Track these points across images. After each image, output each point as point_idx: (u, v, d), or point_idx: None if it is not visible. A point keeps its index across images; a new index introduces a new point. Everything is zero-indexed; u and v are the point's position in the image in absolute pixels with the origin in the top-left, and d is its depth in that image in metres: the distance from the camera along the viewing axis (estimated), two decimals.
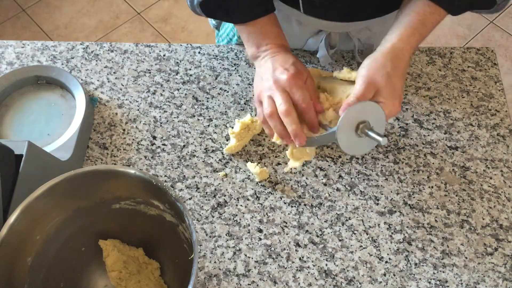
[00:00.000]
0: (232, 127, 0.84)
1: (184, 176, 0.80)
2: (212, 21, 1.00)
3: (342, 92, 0.71)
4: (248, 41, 0.75)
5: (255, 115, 0.84)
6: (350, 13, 0.81)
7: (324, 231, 0.75)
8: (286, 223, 0.76)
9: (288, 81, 0.67)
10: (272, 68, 0.70)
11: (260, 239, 0.74)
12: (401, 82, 0.67)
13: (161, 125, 0.85)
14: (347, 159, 0.81)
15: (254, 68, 0.90)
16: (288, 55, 0.72)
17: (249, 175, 0.80)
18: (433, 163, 0.81)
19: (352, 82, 0.69)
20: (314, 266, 0.72)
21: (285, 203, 0.78)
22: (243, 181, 0.79)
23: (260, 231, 0.75)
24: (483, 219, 0.76)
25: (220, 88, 0.89)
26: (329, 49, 0.88)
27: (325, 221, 0.76)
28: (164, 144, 0.83)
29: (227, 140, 0.83)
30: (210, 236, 0.75)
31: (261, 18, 0.73)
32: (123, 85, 0.90)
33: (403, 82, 0.68)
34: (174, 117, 0.86)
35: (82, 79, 0.90)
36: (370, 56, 0.67)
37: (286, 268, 0.72)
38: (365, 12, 0.81)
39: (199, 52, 0.93)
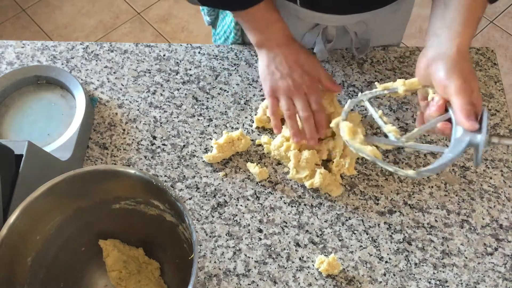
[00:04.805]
0: (232, 127, 0.84)
1: (184, 176, 0.80)
2: (206, 18, 0.99)
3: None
4: (251, 29, 0.75)
5: (257, 110, 0.84)
6: (345, 5, 0.81)
7: (324, 231, 0.75)
8: (286, 223, 0.76)
9: (307, 87, 0.72)
10: (286, 65, 0.71)
11: (260, 239, 0.74)
12: None
13: (161, 125, 0.85)
14: None
15: (254, 68, 0.90)
16: (298, 49, 0.73)
17: (249, 175, 0.80)
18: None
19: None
20: (314, 266, 0.72)
21: (285, 203, 0.78)
22: (243, 181, 0.79)
23: (260, 231, 0.75)
24: (483, 219, 0.76)
25: (220, 88, 0.89)
26: (326, 43, 0.88)
27: (325, 221, 0.76)
28: (164, 144, 0.83)
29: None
30: (210, 236, 0.75)
31: (259, 4, 0.73)
32: (123, 85, 0.90)
33: None
34: (174, 117, 0.86)
35: (82, 79, 0.90)
36: (441, 59, 0.62)
37: (286, 268, 0.72)
38: (360, 4, 0.81)
39: (199, 52, 0.93)
